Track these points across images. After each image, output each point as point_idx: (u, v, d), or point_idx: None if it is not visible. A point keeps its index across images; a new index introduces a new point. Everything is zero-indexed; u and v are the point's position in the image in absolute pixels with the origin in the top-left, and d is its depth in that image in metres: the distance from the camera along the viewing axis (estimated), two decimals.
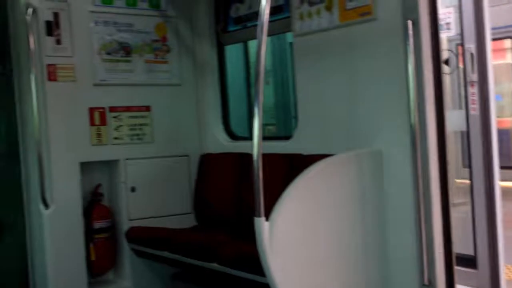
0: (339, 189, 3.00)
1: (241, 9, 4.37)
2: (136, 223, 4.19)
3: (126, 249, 4.19)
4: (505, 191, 4.46)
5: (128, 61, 4.28)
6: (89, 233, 4.10)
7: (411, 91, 2.89)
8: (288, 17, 3.73)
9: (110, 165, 4.26)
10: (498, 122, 4.23)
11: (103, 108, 4.17)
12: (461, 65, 4.67)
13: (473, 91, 4.21)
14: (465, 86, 4.27)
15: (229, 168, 4.19)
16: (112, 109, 4.20)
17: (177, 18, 4.46)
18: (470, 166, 4.19)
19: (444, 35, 5.02)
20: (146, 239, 3.98)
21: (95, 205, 4.18)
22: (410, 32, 2.89)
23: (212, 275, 3.40)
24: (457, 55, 5.20)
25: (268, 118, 6.04)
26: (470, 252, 4.19)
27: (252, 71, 4.86)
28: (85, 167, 4.08)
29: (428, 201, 2.89)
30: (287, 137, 3.90)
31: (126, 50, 4.28)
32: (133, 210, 4.22)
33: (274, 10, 3.86)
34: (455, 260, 2.98)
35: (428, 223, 2.89)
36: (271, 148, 3.60)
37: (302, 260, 2.84)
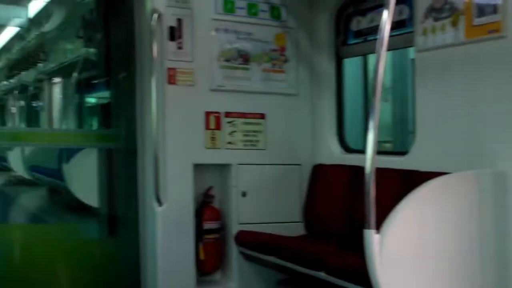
0: (455, 208, 3.00)
1: (362, 23, 4.45)
2: (245, 227, 4.36)
3: (234, 251, 4.37)
4: None
5: (246, 68, 4.47)
6: (199, 233, 4.30)
7: None
8: (411, 32, 3.78)
9: (222, 169, 4.46)
10: None
11: (218, 113, 4.36)
12: None
13: None
14: None
15: (341, 180, 4.27)
16: (228, 114, 4.39)
17: (297, 29, 4.61)
18: None
19: None
20: (255, 243, 4.14)
21: (206, 207, 4.39)
22: None
23: (319, 284, 3.49)
24: None
25: (384, 135, 6.07)
26: None
27: (370, 85, 4.96)
28: (198, 169, 4.29)
29: None
30: (402, 153, 3.94)
31: (244, 58, 4.46)
32: (243, 214, 4.40)
33: (396, 25, 3.93)
34: None
35: None
36: (386, 163, 3.64)
37: (411, 276, 2.88)
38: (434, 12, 3.57)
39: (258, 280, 4.42)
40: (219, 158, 4.39)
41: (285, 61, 4.60)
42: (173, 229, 4.18)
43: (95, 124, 7.81)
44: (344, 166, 4.35)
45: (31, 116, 11.07)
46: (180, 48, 4.23)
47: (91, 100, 7.89)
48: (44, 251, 4.59)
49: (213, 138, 4.35)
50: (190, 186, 4.25)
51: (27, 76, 9.98)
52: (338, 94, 4.66)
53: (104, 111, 5.92)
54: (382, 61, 2.75)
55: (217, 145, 4.36)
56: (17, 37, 9.83)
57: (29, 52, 9.20)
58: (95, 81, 6.30)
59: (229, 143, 4.41)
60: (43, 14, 8.17)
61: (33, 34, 8.91)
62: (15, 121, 12.05)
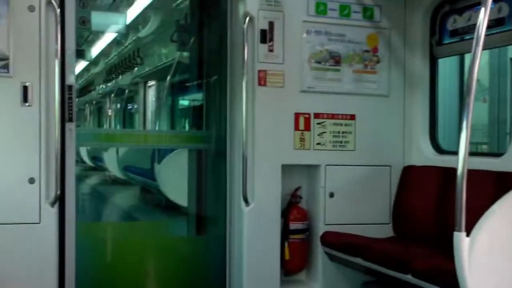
0: None
1: (458, 21, 4.43)
2: (331, 228, 4.44)
3: (319, 252, 4.46)
4: None
5: (337, 70, 4.55)
6: (285, 233, 4.42)
7: None
8: (510, 30, 3.76)
9: (310, 170, 4.56)
10: None
11: (308, 114, 4.47)
12: None
13: None
14: None
15: (433, 182, 4.27)
16: (317, 115, 4.49)
17: (390, 29, 4.65)
18: None
19: None
20: (341, 244, 4.20)
21: (293, 207, 4.50)
22: None
23: (405, 287, 3.51)
24: None
25: (480, 137, 5.96)
26: None
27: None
28: (287, 169, 4.41)
29: None
30: (498, 154, 3.89)
31: (335, 59, 4.55)
32: (329, 215, 4.48)
33: (495, 23, 3.92)
34: None
35: None
36: (480, 164, 3.63)
37: (501, 282, 2.86)
38: None
39: (342, 282, 4.47)
40: (308, 159, 4.49)
41: (377, 61, 4.65)
42: (260, 228, 4.32)
43: (187, 125, 8.14)
44: (436, 168, 4.33)
45: (126, 118, 11.68)
46: (271, 50, 4.37)
47: (183, 102, 8.23)
48: (135, 247, 4.85)
49: (302, 139, 4.46)
50: (278, 186, 4.38)
51: (123, 79, 10.54)
52: (432, 94, 4.65)
53: (196, 113, 6.20)
54: (477, 60, 2.77)
55: (306, 146, 4.47)
56: (114, 43, 10.41)
57: (125, 56, 9.73)
58: (188, 84, 6.58)
59: (318, 144, 4.50)
60: (140, 20, 8.62)
61: (130, 39, 9.41)
62: (111, 123, 12.74)
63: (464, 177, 2.75)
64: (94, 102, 13.66)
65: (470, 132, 2.79)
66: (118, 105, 11.90)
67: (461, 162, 2.75)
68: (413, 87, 4.70)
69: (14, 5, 3.86)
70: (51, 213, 3.92)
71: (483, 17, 2.77)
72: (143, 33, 8.88)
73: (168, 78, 7.78)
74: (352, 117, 4.59)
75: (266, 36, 4.36)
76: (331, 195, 4.51)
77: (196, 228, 5.25)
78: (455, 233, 2.78)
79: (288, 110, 4.43)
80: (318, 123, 4.52)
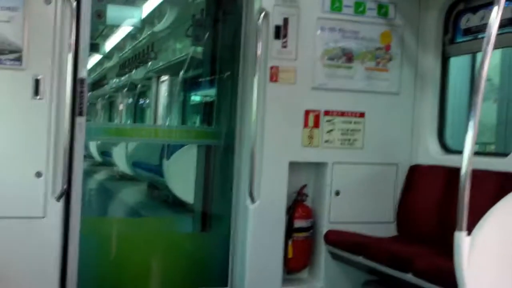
0: None
1: (472, 20, 4.50)
2: (336, 226, 4.52)
3: (323, 250, 4.55)
4: None
5: (349, 67, 4.63)
6: (289, 230, 4.51)
7: None
8: None
9: (317, 167, 4.64)
10: None
11: (318, 111, 4.56)
12: None
13: None
14: None
15: (439, 181, 4.33)
16: (327, 113, 4.58)
17: (404, 27, 4.73)
18: None
19: None
20: (344, 243, 4.28)
21: (298, 205, 4.59)
22: None
23: (406, 286, 3.57)
24: None
25: (489, 137, 6.01)
26: None
27: None
28: (294, 167, 4.49)
29: None
30: (505, 154, 3.95)
31: (348, 56, 4.63)
32: (334, 213, 4.56)
33: (509, 22, 3.97)
34: None
35: None
36: (486, 164, 3.71)
37: (501, 282, 2.92)
38: None
39: (344, 280, 4.55)
40: (316, 157, 4.58)
41: (390, 59, 4.73)
42: (264, 226, 4.41)
43: (198, 121, 8.25)
44: (443, 167, 4.40)
45: (137, 113, 11.83)
46: (284, 47, 4.46)
47: (195, 98, 8.35)
48: (139, 243, 4.94)
49: (310, 137, 4.55)
50: (285, 184, 4.46)
51: (136, 74, 10.67)
52: (442, 93, 4.72)
53: (207, 109, 6.31)
54: (487, 59, 2.83)
55: (314, 144, 4.56)
56: (129, 37, 10.54)
57: (140, 51, 9.87)
58: (200, 79, 6.69)
59: (327, 141, 4.59)
60: (156, 14, 8.74)
61: (145, 33, 9.54)
62: (122, 118, 12.90)
63: (468, 177, 2.81)
64: (106, 96, 13.84)
65: (477, 131, 2.86)
66: (130, 100, 12.05)
67: (466, 161, 2.81)
68: (424, 85, 4.77)
69: None
70: (57, 208, 4.01)
71: (495, 16, 2.83)
72: (158, 27, 9.01)
73: (181, 73, 7.91)
74: (362, 115, 4.68)
75: (280, 32, 4.45)
76: (337, 193, 4.59)
77: (201, 224, 5.35)
78: (456, 232, 2.85)
79: (298, 107, 4.52)
80: (328, 121, 4.60)
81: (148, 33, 9.41)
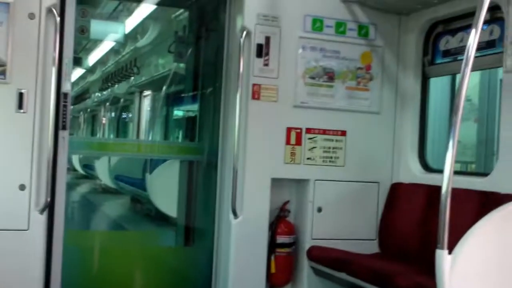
0: None
1: (451, 42, 4.53)
2: (318, 243, 4.50)
3: (305, 266, 4.52)
4: None
5: (330, 86, 4.63)
6: (272, 246, 4.48)
7: None
8: (501, 52, 3.81)
9: (299, 184, 4.63)
10: None
11: (300, 128, 4.56)
12: None
13: None
14: None
15: (420, 200, 4.35)
16: (309, 130, 4.58)
17: (384, 48, 4.75)
18: None
19: None
20: (327, 259, 4.27)
21: (281, 221, 4.56)
22: None
23: None
24: None
25: (470, 156, 6.06)
26: None
27: None
28: (276, 183, 4.48)
29: None
30: (484, 174, 3.97)
31: (329, 75, 4.64)
32: (317, 229, 4.55)
33: (486, 44, 4.01)
34: None
35: None
36: (466, 183, 3.72)
37: None
38: None
39: None
40: (298, 173, 4.57)
41: (370, 79, 4.74)
42: (247, 241, 4.38)
43: (180, 136, 8.21)
44: (424, 186, 4.42)
45: (120, 127, 11.76)
46: (266, 65, 4.46)
47: (177, 113, 8.31)
48: (122, 256, 4.90)
49: (292, 154, 4.54)
50: (267, 200, 4.45)
51: (119, 88, 10.62)
52: (422, 113, 4.74)
53: (190, 124, 6.27)
54: (465, 81, 2.84)
55: (296, 161, 4.55)
56: (112, 51, 10.50)
57: (122, 65, 9.82)
58: (183, 95, 6.67)
59: (308, 158, 4.59)
60: (139, 30, 8.72)
61: (128, 48, 9.51)
62: (104, 132, 12.81)
63: (448, 195, 2.80)
64: (88, 110, 13.74)
65: (456, 151, 2.87)
66: (113, 114, 11.98)
67: (446, 180, 2.81)
68: (404, 105, 4.80)
69: (14, 12, 3.92)
70: (40, 220, 3.96)
71: (473, 39, 2.85)
72: (141, 43, 8.98)
73: (164, 88, 7.87)
74: (343, 133, 4.68)
75: (262, 50, 4.45)
76: (319, 209, 4.58)
77: (184, 239, 5.30)
78: (437, 250, 2.83)
79: (280, 125, 4.52)
80: (310, 138, 4.60)
81: (131, 48, 9.39)
